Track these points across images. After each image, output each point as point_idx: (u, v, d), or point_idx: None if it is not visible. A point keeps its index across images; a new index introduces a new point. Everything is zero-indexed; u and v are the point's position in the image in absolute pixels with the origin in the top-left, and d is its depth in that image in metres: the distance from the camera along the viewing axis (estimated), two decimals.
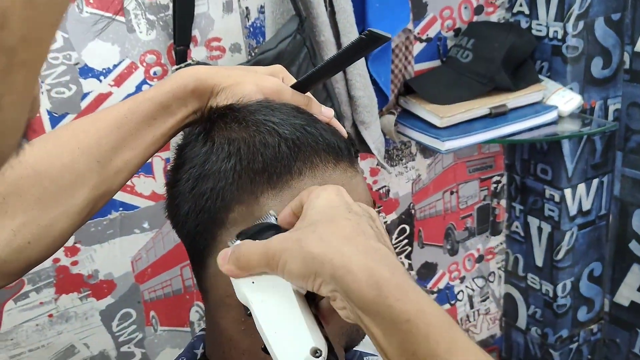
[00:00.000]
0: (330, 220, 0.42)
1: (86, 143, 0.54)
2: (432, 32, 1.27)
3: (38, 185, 0.51)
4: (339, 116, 1.03)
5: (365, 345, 0.73)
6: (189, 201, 0.52)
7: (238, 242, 0.45)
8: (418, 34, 1.25)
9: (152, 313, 1.15)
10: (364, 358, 0.69)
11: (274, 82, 0.57)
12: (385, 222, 1.35)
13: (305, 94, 0.58)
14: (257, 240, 0.44)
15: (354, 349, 0.70)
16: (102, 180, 0.54)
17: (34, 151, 0.53)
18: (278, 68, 0.61)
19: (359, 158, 1.17)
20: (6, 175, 0.49)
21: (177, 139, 0.59)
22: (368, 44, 0.52)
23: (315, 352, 0.40)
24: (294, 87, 0.58)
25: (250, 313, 0.44)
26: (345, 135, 0.58)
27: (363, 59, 1.05)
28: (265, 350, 0.42)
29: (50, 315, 1.05)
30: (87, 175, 0.53)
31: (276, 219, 0.47)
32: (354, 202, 0.45)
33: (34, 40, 0.19)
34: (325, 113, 0.58)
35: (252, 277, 0.44)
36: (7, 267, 0.49)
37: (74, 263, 1.04)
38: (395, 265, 0.40)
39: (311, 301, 0.45)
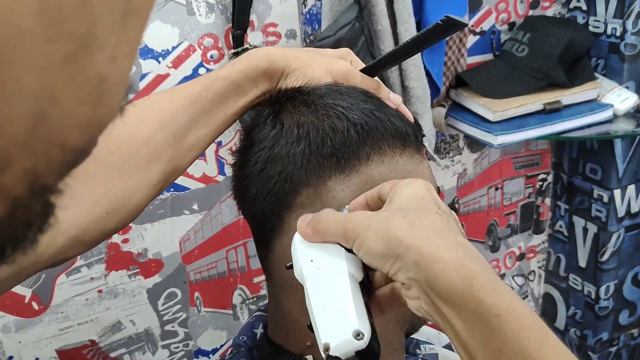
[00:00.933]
0: (421, 211, 0.41)
1: (163, 118, 0.54)
2: (486, 25, 1.25)
3: (118, 157, 0.52)
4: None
5: (419, 334, 0.73)
6: (257, 183, 0.52)
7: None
8: (472, 26, 1.23)
9: (196, 294, 1.16)
10: (421, 346, 0.69)
11: (343, 65, 0.57)
12: None
13: (374, 79, 0.58)
14: (339, 212, 0.45)
15: (411, 336, 0.70)
16: (176, 155, 0.55)
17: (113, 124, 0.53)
18: (345, 51, 0.61)
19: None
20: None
21: (236, 125, 0.59)
22: (445, 30, 0.52)
23: (358, 335, 0.39)
24: (363, 71, 0.58)
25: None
26: (412, 120, 0.58)
27: None
28: (310, 327, 0.42)
29: (100, 291, 1.07)
30: (163, 149, 0.54)
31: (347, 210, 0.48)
32: (441, 201, 0.44)
33: None
34: (393, 99, 0.58)
35: (313, 254, 0.44)
36: (85, 236, 0.50)
37: (125, 241, 1.06)
38: (485, 262, 0.40)
39: (365, 289, 0.45)
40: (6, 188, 0.17)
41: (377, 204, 0.46)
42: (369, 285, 0.47)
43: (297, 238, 0.47)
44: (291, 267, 0.46)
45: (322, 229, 0.44)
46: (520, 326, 0.37)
